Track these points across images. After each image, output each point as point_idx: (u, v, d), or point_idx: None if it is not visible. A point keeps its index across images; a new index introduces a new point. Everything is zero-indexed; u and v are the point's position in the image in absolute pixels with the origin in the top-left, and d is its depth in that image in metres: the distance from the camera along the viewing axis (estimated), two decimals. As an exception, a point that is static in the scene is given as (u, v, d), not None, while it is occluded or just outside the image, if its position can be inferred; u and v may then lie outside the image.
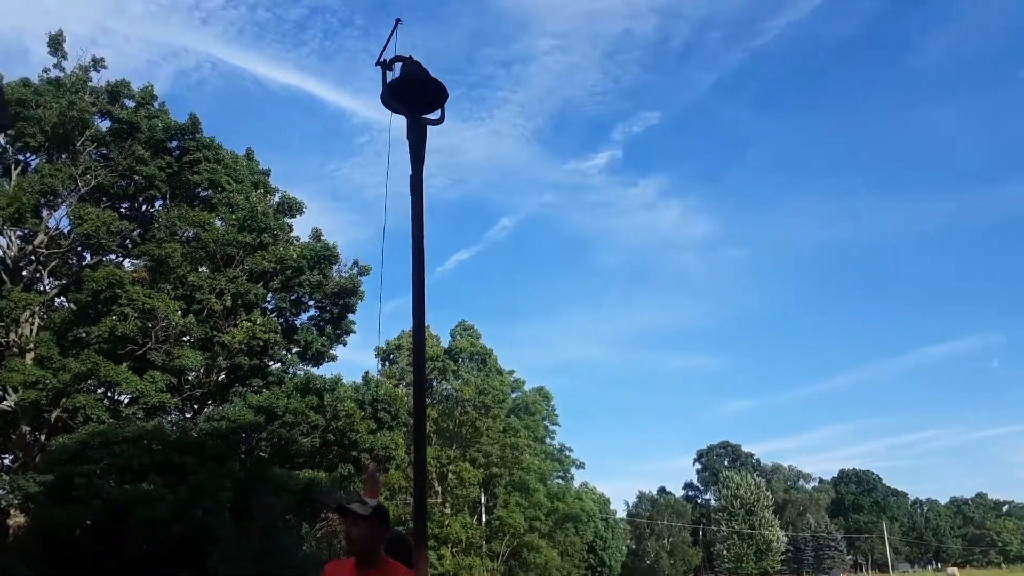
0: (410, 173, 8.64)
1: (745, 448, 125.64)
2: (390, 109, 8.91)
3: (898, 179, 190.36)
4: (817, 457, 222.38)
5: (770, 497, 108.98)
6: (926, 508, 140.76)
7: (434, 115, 9.07)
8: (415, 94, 8.82)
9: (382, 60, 8.81)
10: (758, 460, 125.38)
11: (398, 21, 8.98)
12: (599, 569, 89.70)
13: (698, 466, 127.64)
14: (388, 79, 8.77)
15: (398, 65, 9.01)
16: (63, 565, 23.47)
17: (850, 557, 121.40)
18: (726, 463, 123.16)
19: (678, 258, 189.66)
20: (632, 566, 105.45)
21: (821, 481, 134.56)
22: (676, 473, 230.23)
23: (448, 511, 60.33)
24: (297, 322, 32.64)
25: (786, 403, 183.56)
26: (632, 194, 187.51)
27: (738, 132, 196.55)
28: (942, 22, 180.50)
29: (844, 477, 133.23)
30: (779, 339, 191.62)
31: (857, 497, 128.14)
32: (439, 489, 60.32)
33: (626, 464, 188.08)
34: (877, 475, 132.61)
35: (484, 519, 64.60)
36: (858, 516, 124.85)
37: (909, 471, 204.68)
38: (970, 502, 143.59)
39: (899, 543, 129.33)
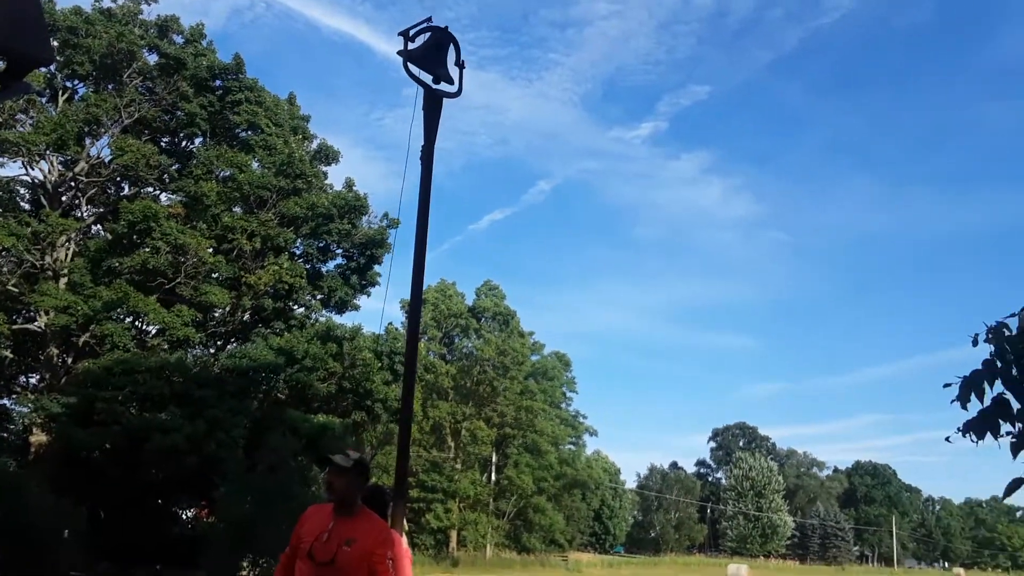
0: (422, 143, 8.94)
1: (762, 431, 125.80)
2: (409, 76, 9.18)
3: (961, 173, 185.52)
4: (834, 447, 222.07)
5: (781, 481, 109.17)
6: (939, 506, 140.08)
7: (451, 88, 9.34)
8: (431, 66, 9.08)
9: (405, 30, 9.06)
10: (773, 444, 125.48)
11: (428, 19, 9.17)
12: (603, 537, 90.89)
13: (712, 444, 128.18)
14: (408, 48, 9.03)
15: (425, 37, 9.26)
16: (80, 484, 24.41)
17: (857, 548, 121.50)
18: (741, 444, 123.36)
19: (717, 236, 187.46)
20: (636, 536, 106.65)
21: (835, 470, 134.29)
22: (690, 450, 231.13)
23: (459, 467, 61.30)
24: (323, 269, 33.21)
25: (810, 390, 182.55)
26: (674, 167, 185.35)
27: (792, 113, 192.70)
28: (1021, 11, 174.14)
29: (859, 468, 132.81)
30: (813, 326, 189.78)
31: (870, 489, 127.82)
32: (452, 444, 61.24)
33: (641, 436, 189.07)
34: (893, 469, 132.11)
35: (494, 478, 65.58)
36: (869, 508, 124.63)
37: (927, 468, 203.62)
38: (984, 504, 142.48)
39: (908, 539, 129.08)
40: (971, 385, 4.38)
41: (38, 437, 26.82)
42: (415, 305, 8.26)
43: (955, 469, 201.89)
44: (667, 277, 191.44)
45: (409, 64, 8.70)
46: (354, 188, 33.01)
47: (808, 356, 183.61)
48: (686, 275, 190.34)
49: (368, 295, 33.98)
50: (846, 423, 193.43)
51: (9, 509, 10.84)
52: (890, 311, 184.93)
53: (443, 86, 9.07)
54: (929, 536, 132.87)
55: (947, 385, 4.49)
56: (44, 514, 11.94)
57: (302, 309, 32.41)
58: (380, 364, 31.23)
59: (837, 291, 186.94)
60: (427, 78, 8.94)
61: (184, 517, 30.60)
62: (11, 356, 29.30)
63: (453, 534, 60.56)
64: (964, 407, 4.39)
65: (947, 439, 4.58)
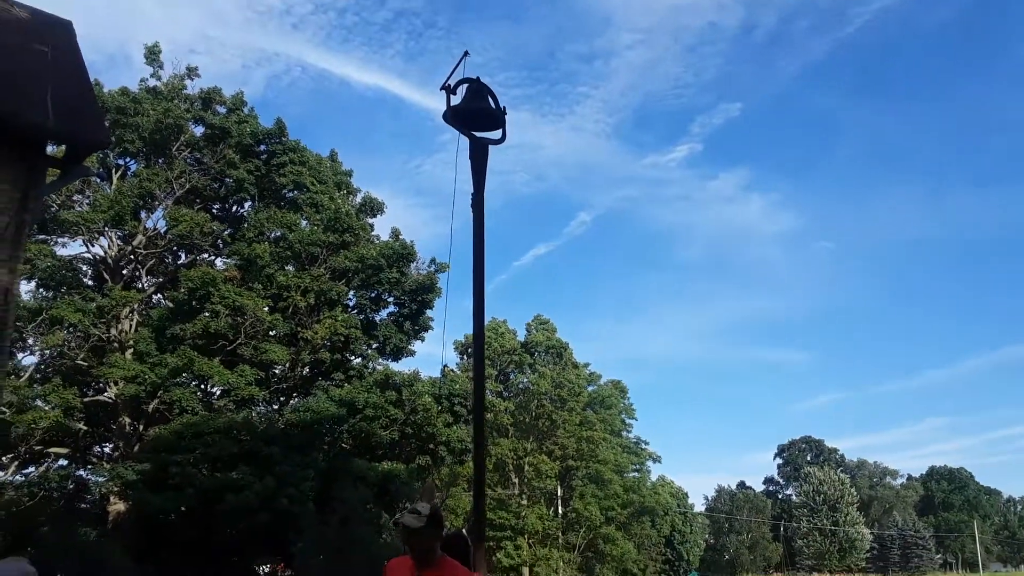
0: (471, 192, 9.26)
1: (828, 443, 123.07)
2: (455, 128, 9.54)
3: (1002, 172, 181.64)
4: (905, 454, 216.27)
5: (855, 493, 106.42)
6: (1020, 507, 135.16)
7: (495, 135, 9.67)
8: (477, 117, 9.43)
9: (446, 84, 9.44)
10: (842, 455, 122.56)
11: (465, 54, 9.60)
12: (676, 563, 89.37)
13: (779, 461, 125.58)
14: (452, 102, 9.40)
15: (463, 88, 9.62)
16: (158, 549, 24.97)
17: (939, 556, 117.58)
18: (808, 458, 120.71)
19: (760, 251, 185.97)
20: (710, 560, 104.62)
21: (909, 478, 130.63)
22: (756, 468, 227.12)
23: (525, 502, 61.11)
24: (377, 318, 33.73)
25: (873, 398, 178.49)
26: (712, 187, 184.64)
27: (827, 123, 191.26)
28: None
29: (934, 474, 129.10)
30: (868, 334, 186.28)
31: (948, 495, 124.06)
32: (516, 481, 61.14)
33: (705, 459, 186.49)
34: (969, 472, 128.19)
35: (560, 511, 65.16)
36: (948, 514, 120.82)
37: (1004, 468, 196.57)
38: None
39: (991, 542, 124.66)
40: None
41: (115, 505, 27.52)
42: (479, 348, 8.49)
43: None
44: (715, 297, 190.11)
45: (453, 117, 9.04)
46: (400, 237, 33.66)
47: (866, 363, 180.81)
48: (734, 293, 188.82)
49: (422, 340, 34.46)
50: (913, 428, 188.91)
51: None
52: (943, 312, 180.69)
53: (487, 134, 9.39)
54: (1013, 537, 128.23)
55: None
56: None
57: (359, 359, 32.94)
58: (440, 407, 31.51)
59: (888, 296, 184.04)
60: (469, 128, 9.26)
61: (262, 574, 31.02)
62: (85, 428, 30.20)
63: (525, 571, 60.19)
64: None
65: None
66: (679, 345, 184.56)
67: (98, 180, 30.34)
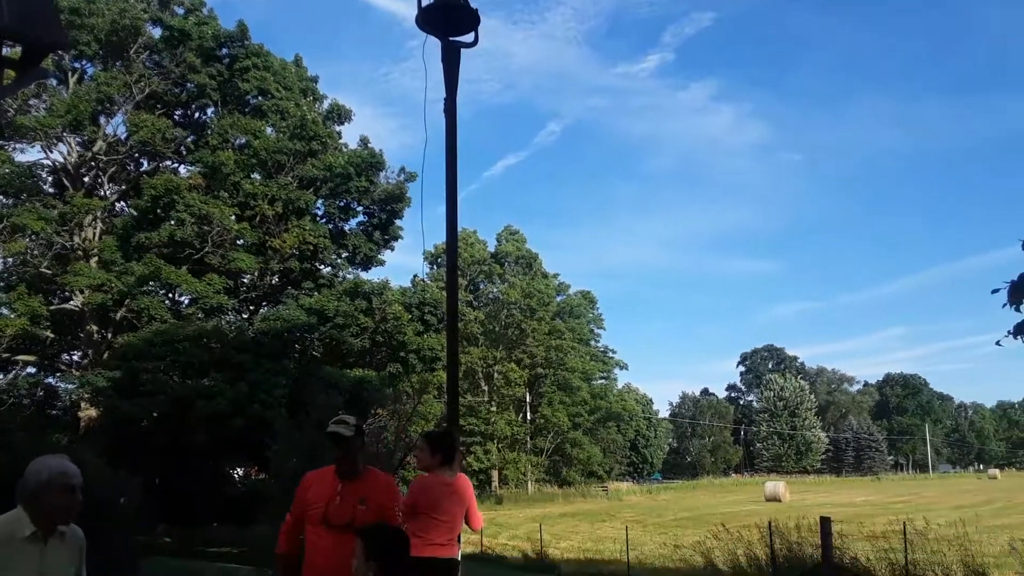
0: (444, 96, 9.15)
1: (789, 351, 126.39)
2: (424, 31, 9.36)
3: (970, 83, 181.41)
4: (863, 361, 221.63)
5: (813, 399, 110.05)
6: (971, 412, 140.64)
7: (467, 38, 9.50)
8: (448, 18, 9.24)
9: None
10: (802, 363, 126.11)
11: None
12: (641, 466, 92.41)
13: (741, 368, 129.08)
14: (423, 2, 9.20)
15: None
16: (132, 454, 25.23)
17: (891, 458, 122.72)
18: (770, 366, 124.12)
19: (731, 162, 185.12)
20: (673, 463, 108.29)
21: (866, 384, 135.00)
22: (720, 376, 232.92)
23: (494, 409, 62.38)
24: (346, 227, 33.55)
25: (835, 308, 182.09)
26: (683, 97, 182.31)
27: (797, 33, 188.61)
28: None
29: (889, 380, 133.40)
30: (833, 244, 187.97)
31: (902, 400, 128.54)
32: (485, 388, 62.25)
33: (671, 367, 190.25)
34: (923, 379, 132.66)
35: (529, 417, 66.64)
36: (901, 418, 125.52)
37: (957, 375, 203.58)
38: (1017, 406, 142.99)
39: (941, 445, 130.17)
40: (1020, 288, 4.62)
41: (87, 411, 27.69)
42: (452, 255, 8.55)
43: (985, 374, 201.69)
44: (684, 207, 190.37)
45: (424, 17, 8.85)
46: (369, 145, 33.17)
47: (831, 274, 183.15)
48: (703, 204, 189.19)
49: (392, 249, 34.39)
50: (873, 337, 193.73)
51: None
52: (909, 224, 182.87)
53: (459, 38, 9.22)
54: (963, 441, 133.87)
55: (995, 291, 4.75)
56: (101, 484, 12.46)
57: (329, 268, 32.90)
58: (410, 316, 31.73)
59: (855, 207, 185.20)
60: (442, 31, 9.08)
61: (235, 477, 31.58)
62: (52, 336, 30.06)
63: (495, 474, 61.93)
64: (1018, 309, 4.66)
65: (997, 343, 4.87)
66: (649, 255, 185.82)
67: (55, 83, 29.38)
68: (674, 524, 33.68)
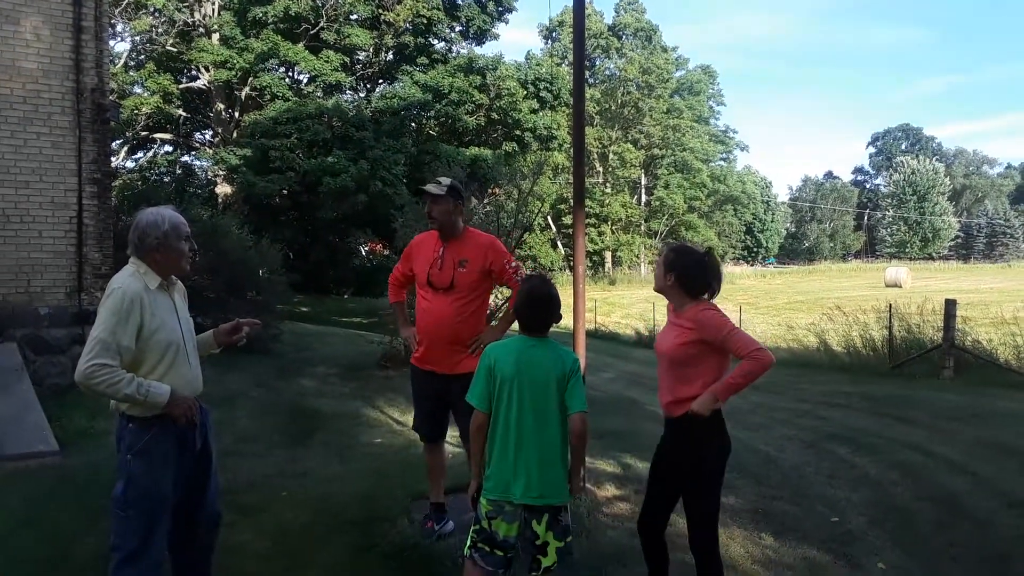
0: None
1: (927, 131, 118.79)
2: None
3: None
4: (1010, 141, 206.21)
5: (947, 183, 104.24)
6: None
7: None
8: None
9: None
10: (939, 144, 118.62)
11: None
12: (755, 250, 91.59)
13: (871, 150, 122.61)
14: None
15: None
16: (268, 226, 26.66)
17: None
18: (903, 147, 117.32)
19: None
20: (789, 247, 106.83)
21: (1008, 167, 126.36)
22: (847, 159, 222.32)
23: (609, 191, 62.22)
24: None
25: (985, 82, 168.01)
26: None
27: None
28: None
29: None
30: (987, 7, 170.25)
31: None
32: (600, 169, 61.78)
33: (795, 149, 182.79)
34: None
35: (644, 199, 66.29)
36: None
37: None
38: None
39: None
40: None
41: (223, 188, 29.10)
42: (579, 26, 8.12)
43: None
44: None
45: None
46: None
47: (984, 43, 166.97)
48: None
49: (506, 23, 33.26)
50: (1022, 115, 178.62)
51: (220, 250, 12.11)
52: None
53: None
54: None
55: None
56: (247, 252, 13.28)
57: (442, 43, 32.24)
58: (525, 92, 31.07)
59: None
60: None
61: (361, 252, 33.16)
62: (184, 114, 31.18)
63: (608, 255, 62.88)
64: None
65: None
66: (772, 25, 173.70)
67: None
68: (787, 307, 33.74)
